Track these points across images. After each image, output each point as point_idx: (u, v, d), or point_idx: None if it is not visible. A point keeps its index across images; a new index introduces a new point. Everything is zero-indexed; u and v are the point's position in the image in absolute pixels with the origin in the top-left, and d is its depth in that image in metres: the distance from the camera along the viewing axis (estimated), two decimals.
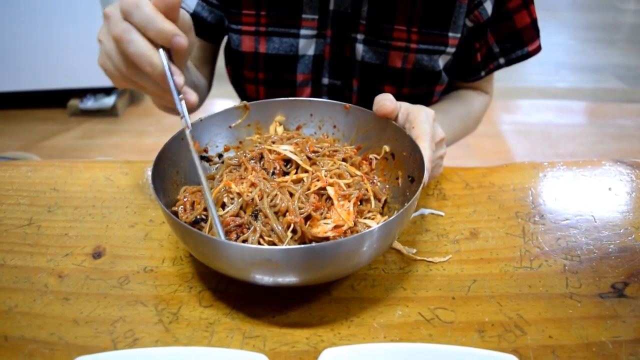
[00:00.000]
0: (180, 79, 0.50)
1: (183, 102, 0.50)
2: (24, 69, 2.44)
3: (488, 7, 0.74)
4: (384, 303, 0.50)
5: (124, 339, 0.46)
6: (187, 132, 0.51)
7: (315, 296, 0.51)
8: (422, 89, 0.79)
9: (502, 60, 0.80)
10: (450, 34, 0.74)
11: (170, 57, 0.50)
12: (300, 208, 0.49)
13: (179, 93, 0.50)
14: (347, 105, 0.63)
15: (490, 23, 0.76)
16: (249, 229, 0.49)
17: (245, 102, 0.64)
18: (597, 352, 0.44)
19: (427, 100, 0.81)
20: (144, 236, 0.59)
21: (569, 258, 0.55)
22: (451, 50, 0.76)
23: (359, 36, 0.75)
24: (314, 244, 0.48)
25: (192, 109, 0.79)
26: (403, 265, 0.55)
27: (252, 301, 0.50)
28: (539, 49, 0.79)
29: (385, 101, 0.58)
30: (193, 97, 0.52)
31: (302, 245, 0.45)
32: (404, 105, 0.59)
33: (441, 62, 0.76)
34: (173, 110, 0.65)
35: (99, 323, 0.48)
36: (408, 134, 0.56)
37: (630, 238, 0.58)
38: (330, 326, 0.48)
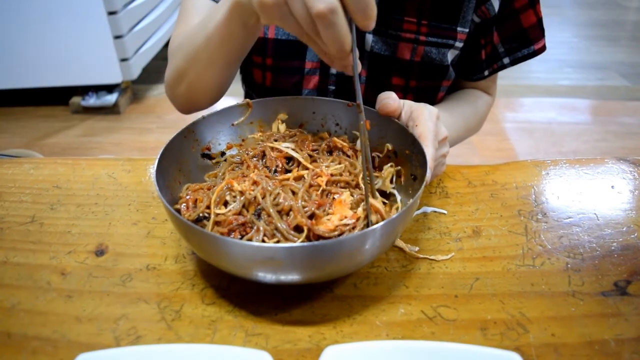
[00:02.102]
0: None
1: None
2: (26, 66, 2.44)
3: (495, 3, 0.74)
4: (387, 301, 0.50)
5: (127, 336, 0.46)
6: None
7: (318, 294, 0.51)
8: (429, 83, 0.79)
9: (506, 60, 0.80)
10: (459, 29, 0.74)
11: None
12: (303, 207, 0.49)
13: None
14: (350, 103, 0.63)
15: (496, 21, 0.76)
16: (251, 227, 0.49)
17: (247, 100, 0.64)
18: (600, 350, 0.44)
19: (433, 94, 0.81)
20: (147, 234, 0.60)
21: (572, 256, 0.55)
22: (459, 45, 0.76)
23: None
24: (317, 241, 0.48)
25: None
26: (405, 263, 0.55)
27: (254, 299, 0.50)
28: (544, 48, 0.79)
29: (388, 100, 0.58)
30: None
31: (305, 243, 0.45)
32: (407, 104, 0.59)
33: (450, 56, 0.76)
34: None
35: (101, 321, 0.48)
36: (411, 132, 0.56)
37: (633, 236, 0.58)
38: (333, 324, 0.48)
